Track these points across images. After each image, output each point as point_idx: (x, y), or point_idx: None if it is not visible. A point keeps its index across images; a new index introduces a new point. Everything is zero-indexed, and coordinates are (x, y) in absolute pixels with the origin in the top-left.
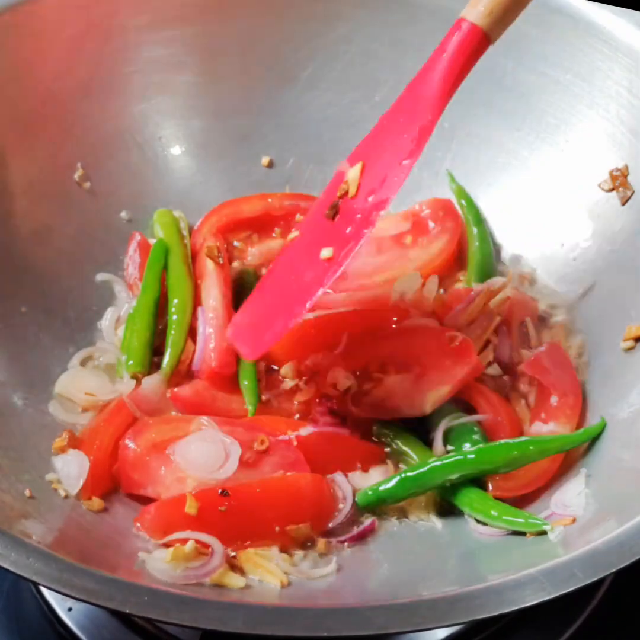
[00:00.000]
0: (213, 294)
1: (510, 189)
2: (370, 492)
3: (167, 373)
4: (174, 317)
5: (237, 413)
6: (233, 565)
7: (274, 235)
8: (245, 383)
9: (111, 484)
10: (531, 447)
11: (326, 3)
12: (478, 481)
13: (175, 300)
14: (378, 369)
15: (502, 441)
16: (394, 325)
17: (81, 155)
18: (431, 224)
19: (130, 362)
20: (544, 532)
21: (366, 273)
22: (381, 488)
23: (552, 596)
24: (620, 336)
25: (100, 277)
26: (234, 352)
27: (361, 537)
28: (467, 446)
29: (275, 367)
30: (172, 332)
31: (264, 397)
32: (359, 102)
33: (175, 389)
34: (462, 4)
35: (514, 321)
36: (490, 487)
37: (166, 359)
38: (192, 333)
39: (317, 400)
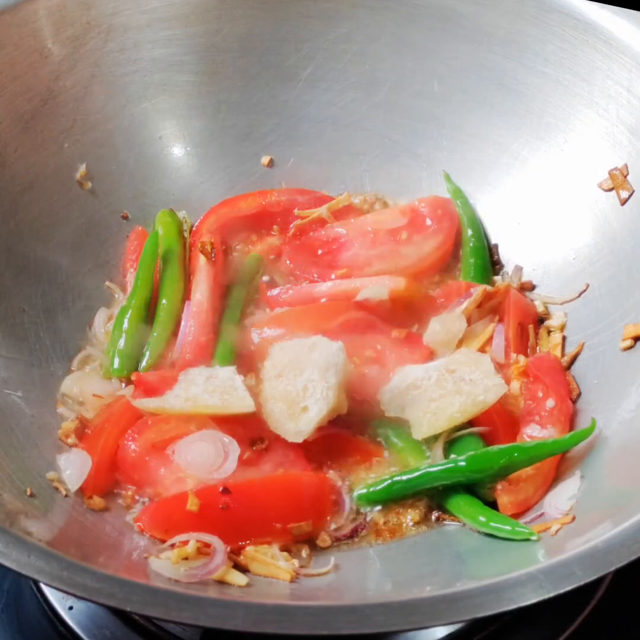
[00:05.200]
0: (201, 288)
1: (510, 188)
2: (365, 492)
3: None
4: (160, 317)
5: None
6: (235, 563)
7: (273, 232)
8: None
9: (113, 483)
10: (518, 454)
11: (326, 3)
12: (469, 486)
13: (164, 301)
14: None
15: (492, 448)
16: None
17: (81, 155)
18: (428, 222)
19: (116, 367)
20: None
21: (358, 264)
22: (371, 490)
23: (551, 595)
24: (618, 335)
25: (101, 277)
26: (211, 348)
27: (360, 536)
28: None
29: None
30: (155, 334)
31: None
32: (358, 102)
33: (141, 372)
34: (462, 4)
35: (512, 323)
36: (505, 504)
37: (145, 360)
38: None
39: None
